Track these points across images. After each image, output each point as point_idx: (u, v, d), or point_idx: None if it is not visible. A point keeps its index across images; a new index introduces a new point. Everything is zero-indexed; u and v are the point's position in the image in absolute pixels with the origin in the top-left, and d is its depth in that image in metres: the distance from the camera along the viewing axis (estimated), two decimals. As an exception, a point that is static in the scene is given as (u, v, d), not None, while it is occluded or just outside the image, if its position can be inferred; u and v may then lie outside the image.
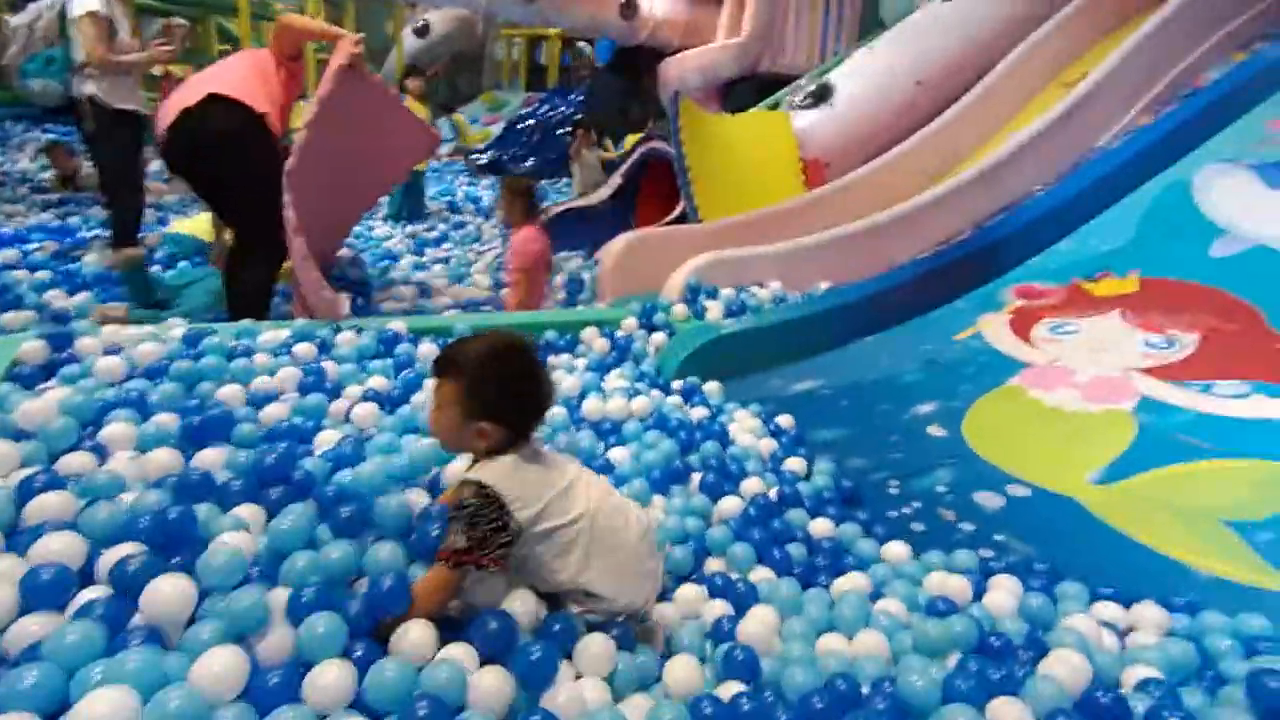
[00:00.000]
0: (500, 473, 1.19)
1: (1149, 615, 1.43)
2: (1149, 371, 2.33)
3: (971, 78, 4.45)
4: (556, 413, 2.03)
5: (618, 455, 1.87)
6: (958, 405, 2.23)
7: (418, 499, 1.37)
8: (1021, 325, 2.60)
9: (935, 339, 2.64)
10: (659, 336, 2.73)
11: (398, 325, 2.34)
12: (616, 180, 5.10)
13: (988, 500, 1.87)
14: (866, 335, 2.74)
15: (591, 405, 2.09)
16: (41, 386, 1.74)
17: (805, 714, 1.10)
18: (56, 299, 3.07)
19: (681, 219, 4.27)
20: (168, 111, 2.73)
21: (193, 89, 2.76)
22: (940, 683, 1.13)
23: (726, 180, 4.08)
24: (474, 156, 9.12)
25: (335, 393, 1.94)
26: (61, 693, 0.91)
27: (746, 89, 7.13)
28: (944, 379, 2.41)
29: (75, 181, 5.22)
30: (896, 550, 1.61)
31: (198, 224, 4.00)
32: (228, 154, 2.66)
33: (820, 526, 1.70)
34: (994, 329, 2.59)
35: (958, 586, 1.45)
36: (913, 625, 1.32)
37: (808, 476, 1.96)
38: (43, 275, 3.27)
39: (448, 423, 1.23)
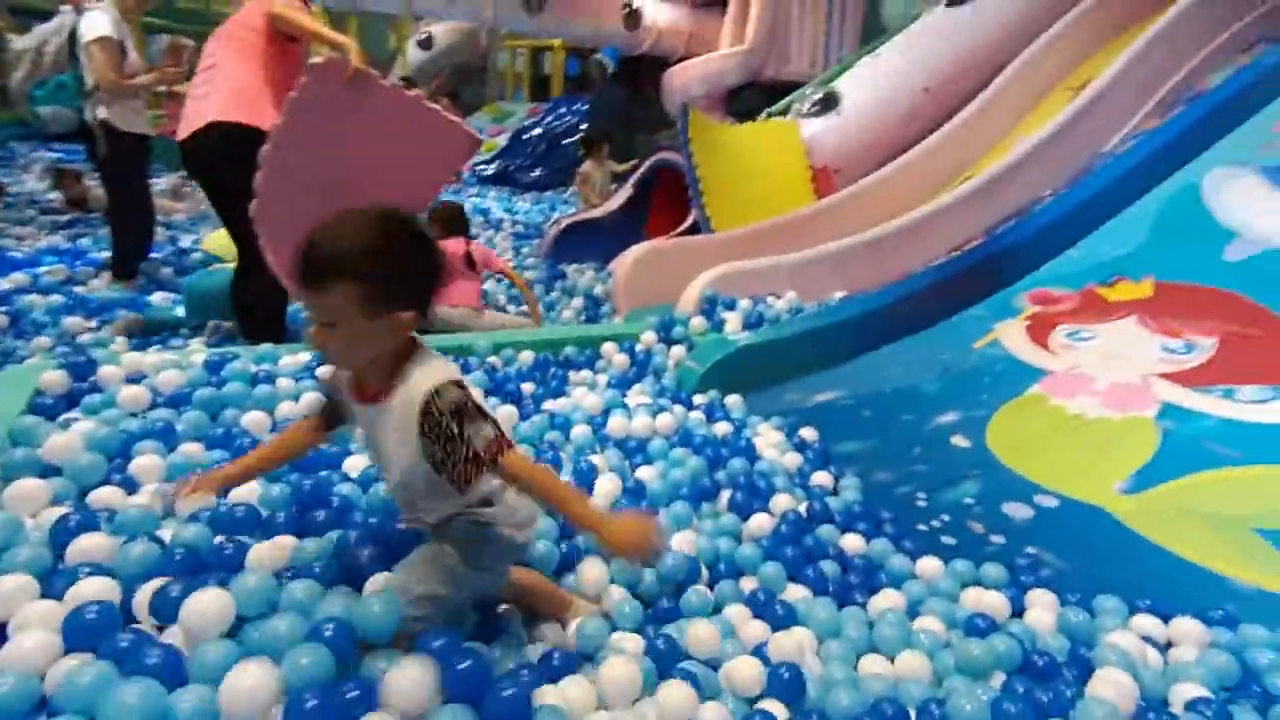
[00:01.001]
0: (450, 369, 1.09)
1: (1188, 629, 1.42)
2: (1168, 377, 2.32)
3: (978, 84, 4.46)
4: (581, 432, 2.03)
5: (646, 475, 1.86)
6: (980, 414, 2.23)
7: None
8: (1039, 332, 2.60)
9: (953, 347, 2.63)
10: (678, 350, 2.72)
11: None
12: (627, 191, 5.11)
13: (1016, 511, 1.86)
14: (884, 344, 2.73)
15: (616, 423, 2.08)
16: (65, 417, 1.73)
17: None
18: (70, 325, 3.05)
19: (692, 230, 4.28)
20: (185, 124, 2.70)
21: (203, 103, 2.69)
22: (989, 705, 1.12)
23: (737, 190, 4.09)
24: (480, 168, 9.16)
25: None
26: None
27: (751, 96, 7.16)
28: (964, 388, 2.40)
29: (84, 204, 5.23)
30: (930, 565, 1.60)
31: (217, 240, 3.99)
32: (229, 176, 2.62)
33: (852, 542, 1.69)
34: (1011, 336, 2.58)
35: (995, 603, 1.44)
36: (954, 645, 1.31)
37: (835, 491, 1.95)
38: (55, 300, 3.27)
39: (347, 333, 1.03)
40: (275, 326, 2.73)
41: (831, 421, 2.33)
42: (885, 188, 3.99)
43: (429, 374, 1.07)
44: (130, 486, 1.44)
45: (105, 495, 1.39)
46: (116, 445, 1.55)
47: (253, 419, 1.80)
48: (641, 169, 5.21)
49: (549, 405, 2.23)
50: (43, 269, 3.70)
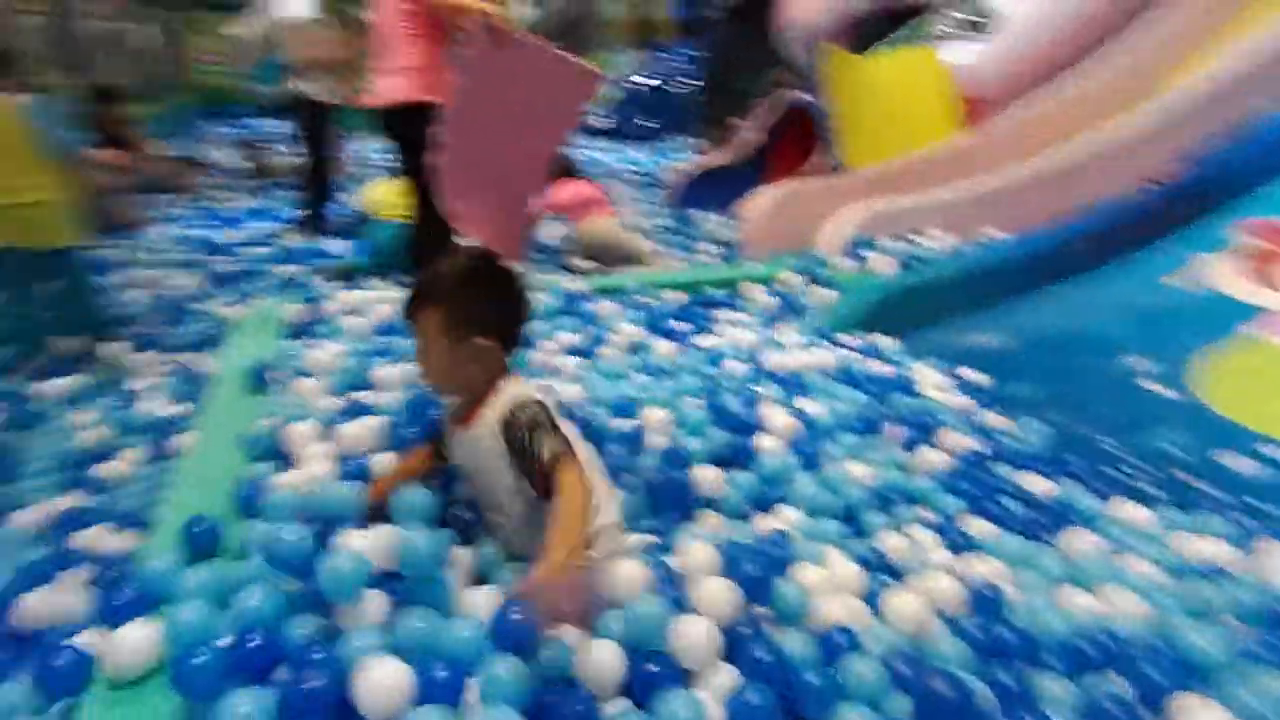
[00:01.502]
0: (530, 388, 1.21)
1: None
2: None
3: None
4: (736, 367, 2.04)
5: (811, 409, 1.85)
6: (1176, 356, 2.03)
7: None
8: (1257, 266, 2.31)
9: (1138, 285, 2.41)
10: (824, 291, 2.67)
11: (579, 285, 2.42)
12: (755, 136, 4.98)
13: (1234, 462, 1.70)
14: (1053, 284, 2.55)
15: (773, 358, 2.08)
16: (309, 342, 1.99)
17: (1070, 658, 1.06)
18: (284, 271, 3.41)
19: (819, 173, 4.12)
20: (374, 96, 2.82)
21: (388, 79, 2.78)
22: (1230, 645, 1.05)
23: (876, 127, 3.89)
24: (589, 120, 9.15)
25: (530, 345, 2.05)
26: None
27: (879, 23, 6.70)
28: (1154, 328, 2.21)
29: (269, 172, 5.77)
30: (1133, 511, 1.51)
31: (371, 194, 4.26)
32: (413, 144, 2.78)
33: (1036, 483, 1.63)
34: (1217, 271, 2.31)
35: (1217, 550, 1.35)
36: (1176, 586, 1.24)
37: (1011, 435, 1.87)
38: (263, 251, 3.75)
39: (438, 356, 1.18)
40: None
41: (997, 364, 2.21)
42: (1049, 114, 3.60)
43: (514, 394, 1.18)
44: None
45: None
46: (356, 361, 1.81)
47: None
48: (771, 113, 5.04)
49: (699, 340, 2.26)
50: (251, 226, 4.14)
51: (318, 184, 4.06)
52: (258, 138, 6.08)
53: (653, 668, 0.97)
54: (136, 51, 7.78)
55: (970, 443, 1.74)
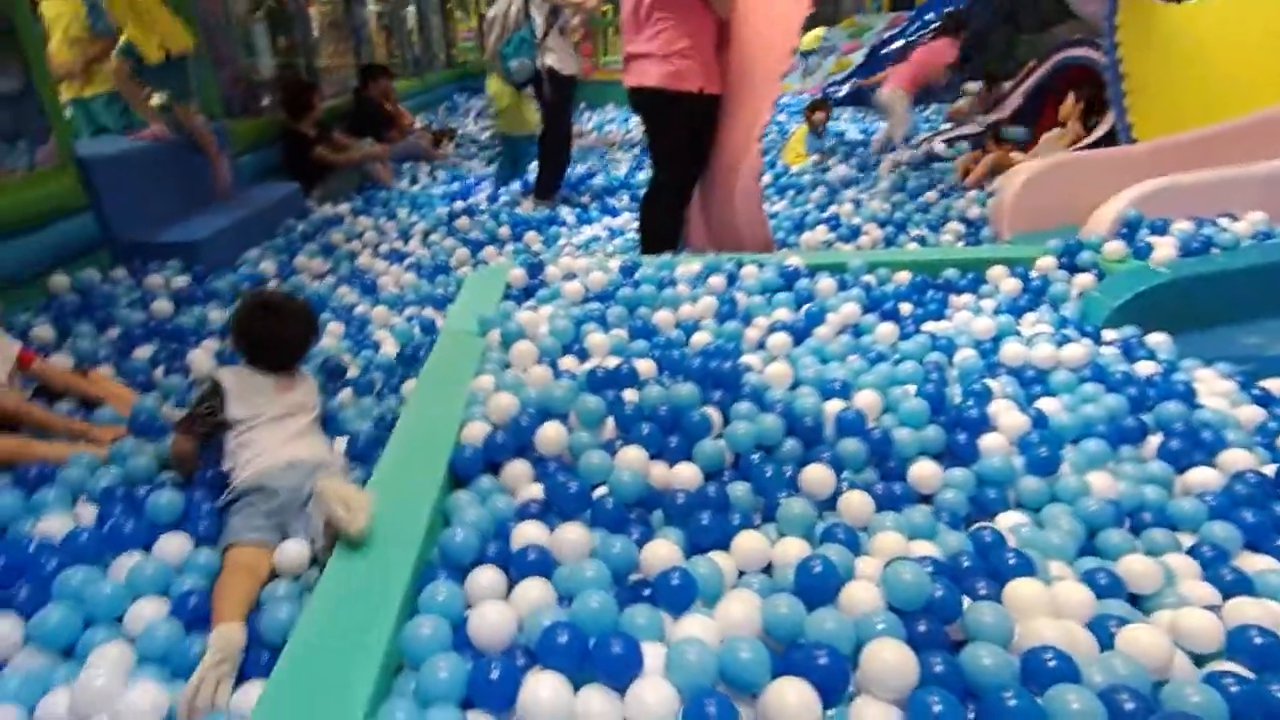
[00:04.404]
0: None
1: None
2: None
3: None
4: (968, 356, 1.90)
5: (1049, 407, 1.68)
6: None
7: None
8: None
9: None
10: (1084, 278, 2.37)
11: (796, 260, 2.40)
12: (1016, 100, 4.50)
13: None
14: None
15: (1012, 350, 1.90)
16: (527, 305, 2.17)
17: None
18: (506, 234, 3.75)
19: (1103, 143, 3.61)
20: (633, 75, 2.95)
21: (647, 63, 2.86)
22: None
23: (1182, 90, 3.30)
24: (831, 89, 8.81)
25: (747, 321, 2.08)
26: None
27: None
28: None
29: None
30: None
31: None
32: (660, 127, 2.97)
33: (1348, 522, 1.33)
34: None
35: None
36: None
37: (1318, 459, 1.55)
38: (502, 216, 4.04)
39: None
40: (670, 242, 3.08)
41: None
42: None
43: None
44: (583, 355, 1.79)
45: (568, 363, 1.77)
46: (571, 325, 1.92)
47: (661, 316, 2.05)
48: (1038, 72, 4.51)
49: (929, 326, 2.13)
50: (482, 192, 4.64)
51: (554, 155, 4.30)
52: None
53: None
54: (408, 31, 8.96)
55: (1257, 463, 1.47)
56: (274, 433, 1.47)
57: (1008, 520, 1.39)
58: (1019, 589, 1.12)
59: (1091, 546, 1.32)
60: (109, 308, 2.58)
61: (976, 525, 1.36)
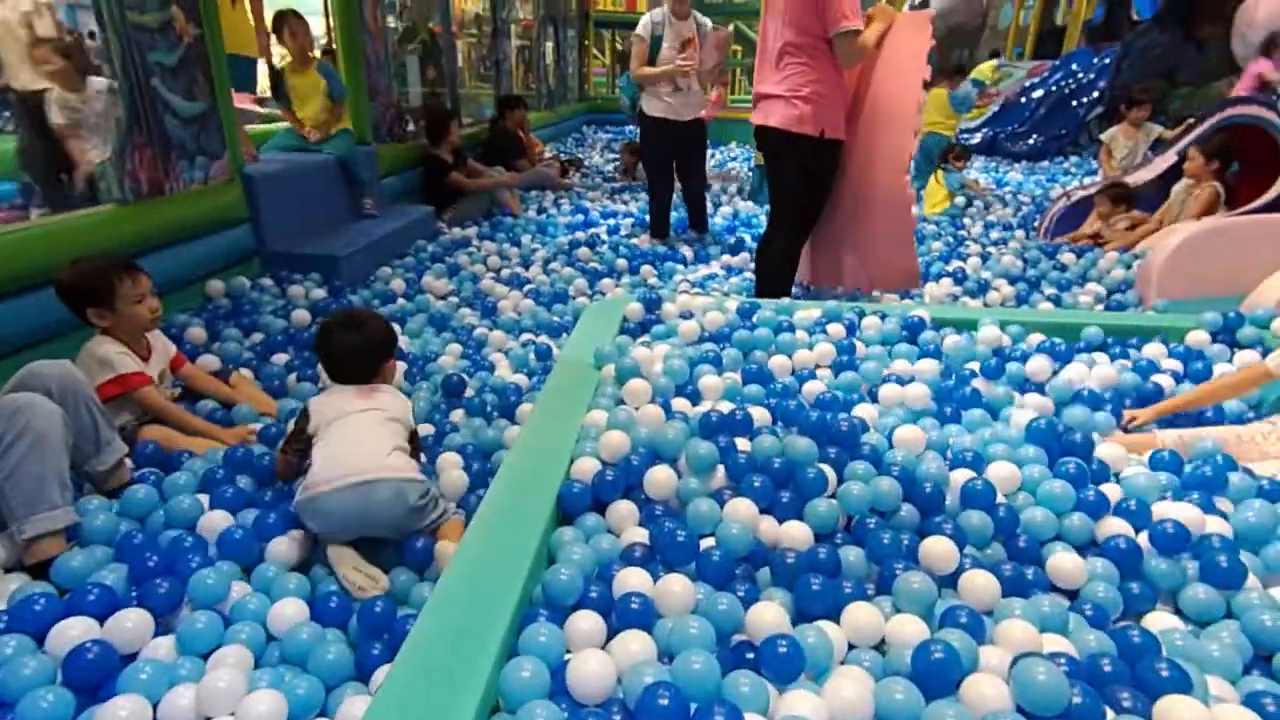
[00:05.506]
0: None
1: None
2: None
3: None
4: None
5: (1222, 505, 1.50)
6: None
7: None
8: None
9: None
10: (1248, 355, 2.13)
11: (922, 313, 2.29)
12: (1169, 159, 4.17)
13: None
14: None
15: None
16: (641, 340, 2.18)
17: None
18: (623, 266, 3.79)
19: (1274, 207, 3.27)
20: (760, 113, 2.95)
21: (773, 104, 2.86)
22: None
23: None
24: (964, 136, 8.50)
25: (861, 371, 2.00)
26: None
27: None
28: None
29: (633, 173, 6.49)
30: None
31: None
32: (783, 167, 2.95)
33: None
34: None
35: None
36: None
37: None
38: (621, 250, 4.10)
39: None
40: (784, 286, 3.03)
41: None
42: None
43: None
44: (696, 399, 1.75)
45: (680, 404, 1.74)
46: (686, 365, 1.90)
47: (777, 361, 2.00)
48: (1198, 129, 4.16)
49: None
50: (604, 226, 4.72)
51: (653, 193, 4.36)
52: (631, 142, 6.75)
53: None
54: (546, 66, 9.40)
55: None
56: (342, 431, 1.53)
57: (1158, 622, 1.24)
58: (1173, 707, 0.98)
59: (1259, 664, 1.16)
60: (255, 314, 2.80)
61: (1120, 624, 1.22)
